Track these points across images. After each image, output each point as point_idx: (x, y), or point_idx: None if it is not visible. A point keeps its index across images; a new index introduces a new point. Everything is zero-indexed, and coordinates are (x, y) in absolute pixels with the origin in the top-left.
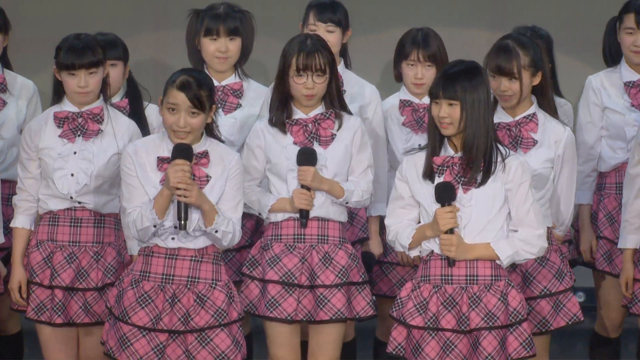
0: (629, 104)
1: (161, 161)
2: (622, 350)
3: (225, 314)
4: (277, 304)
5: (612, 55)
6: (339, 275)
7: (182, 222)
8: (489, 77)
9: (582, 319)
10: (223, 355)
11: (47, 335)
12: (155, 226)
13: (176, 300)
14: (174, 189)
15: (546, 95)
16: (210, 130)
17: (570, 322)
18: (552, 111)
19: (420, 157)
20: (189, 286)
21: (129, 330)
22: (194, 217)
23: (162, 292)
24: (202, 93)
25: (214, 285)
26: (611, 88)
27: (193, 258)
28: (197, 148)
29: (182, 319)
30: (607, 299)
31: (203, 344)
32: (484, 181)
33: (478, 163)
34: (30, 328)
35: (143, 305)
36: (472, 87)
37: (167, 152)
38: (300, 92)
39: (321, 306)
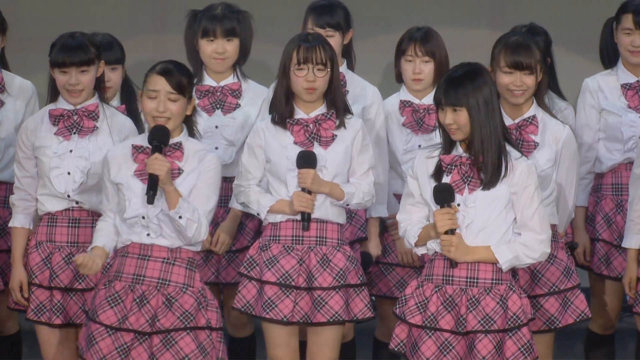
0: (626, 106)
1: (136, 150)
2: (620, 350)
3: (192, 318)
4: (273, 305)
5: (609, 57)
6: (337, 277)
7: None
8: (501, 73)
9: (590, 315)
10: (186, 359)
11: (45, 336)
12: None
13: (145, 301)
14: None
15: (542, 93)
16: (190, 129)
17: (578, 320)
18: (546, 109)
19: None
20: (158, 288)
21: (95, 328)
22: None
23: (131, 292)
24: (182, 78)
25: (184, 290)
26: (608, 90)
27: (165, 260)
28: (173, 140)
29: (149, 321)
30: (603, 301)
31: (167, 346)
32: (493, 183)
33: (488, 165)
34: (29, 328)
35: (112, 304)
36: (475, 90)
37: (140, 141)
38: (301, 85)
39: (318, 308)
